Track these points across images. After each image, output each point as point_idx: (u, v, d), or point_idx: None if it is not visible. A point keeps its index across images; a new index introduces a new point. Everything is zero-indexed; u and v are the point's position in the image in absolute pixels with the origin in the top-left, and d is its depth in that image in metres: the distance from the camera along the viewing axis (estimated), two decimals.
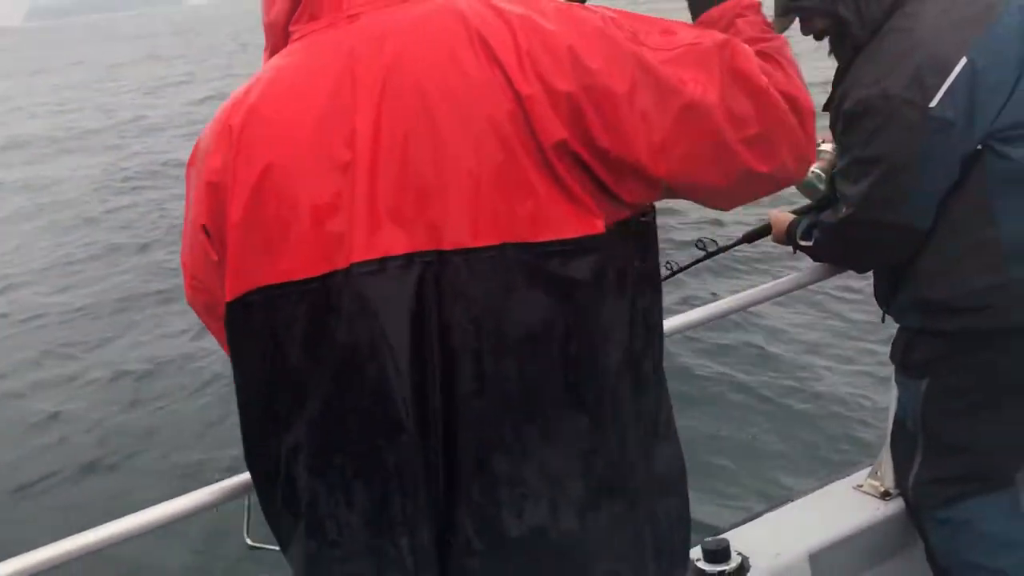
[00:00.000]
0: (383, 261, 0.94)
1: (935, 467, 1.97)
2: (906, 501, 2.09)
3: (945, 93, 1.71)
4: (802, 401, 5.20)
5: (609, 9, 1.03)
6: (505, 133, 0.94)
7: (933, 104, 1.71)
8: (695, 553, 2.08)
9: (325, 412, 0.99)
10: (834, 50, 1.92)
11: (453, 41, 0.97)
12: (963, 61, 1.71)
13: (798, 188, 2.05)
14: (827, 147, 1.98)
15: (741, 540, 2.13)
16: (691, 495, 1.16)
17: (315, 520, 1.02)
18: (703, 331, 5.99)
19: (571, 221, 0.96)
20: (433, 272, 0.94)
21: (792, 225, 2.07)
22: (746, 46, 1.05)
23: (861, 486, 2.30)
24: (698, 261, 2.28)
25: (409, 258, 0.94)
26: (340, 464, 1.00)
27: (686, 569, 1.16)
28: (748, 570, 2.06)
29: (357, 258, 0.95)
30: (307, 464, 1.01)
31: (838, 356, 5.56)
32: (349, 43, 1.00)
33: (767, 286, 2.03)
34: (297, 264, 0.97)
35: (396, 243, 0.95)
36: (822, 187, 2.00)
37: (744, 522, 2.27)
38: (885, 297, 1.99)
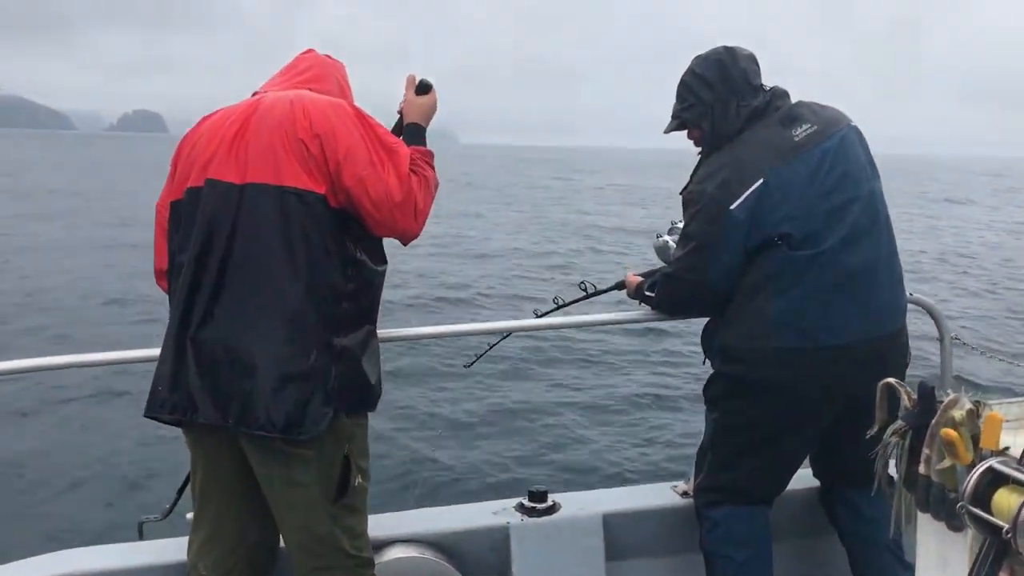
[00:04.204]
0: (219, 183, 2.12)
1: (712, 479, 2.62)
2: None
3: (743, 200, 2.39)
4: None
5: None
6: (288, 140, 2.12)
7: (733, 206, 2.40)
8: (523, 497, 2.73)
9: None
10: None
11: (282, 103, 2.17)
12: (760, 181, 2.40)
13: (656, 252, 2.78)
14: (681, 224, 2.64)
15: (564, 498, 2.77)
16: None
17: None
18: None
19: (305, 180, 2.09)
20: (237, 191, 2.09)
21: (642, 284, 2.76)
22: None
23: (676, 487, 2.92)
24: (580, 299, 3.02)
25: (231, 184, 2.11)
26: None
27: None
28: (557, 511, 2.70)
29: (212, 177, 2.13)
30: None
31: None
32: (253, 101, 2.23)
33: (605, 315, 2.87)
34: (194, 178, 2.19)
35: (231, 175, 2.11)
36: (671, 253, 2.69)
37: (576, 490, 2.92)
38: (704, 342, 2.65)
